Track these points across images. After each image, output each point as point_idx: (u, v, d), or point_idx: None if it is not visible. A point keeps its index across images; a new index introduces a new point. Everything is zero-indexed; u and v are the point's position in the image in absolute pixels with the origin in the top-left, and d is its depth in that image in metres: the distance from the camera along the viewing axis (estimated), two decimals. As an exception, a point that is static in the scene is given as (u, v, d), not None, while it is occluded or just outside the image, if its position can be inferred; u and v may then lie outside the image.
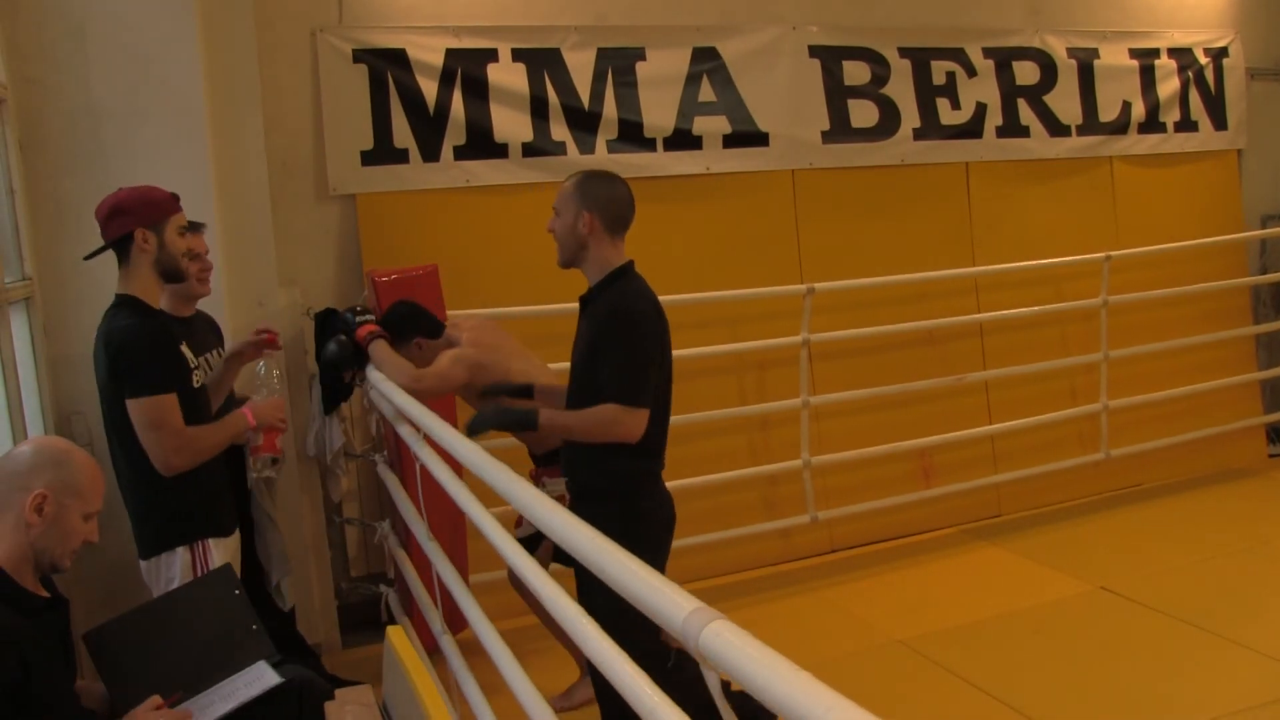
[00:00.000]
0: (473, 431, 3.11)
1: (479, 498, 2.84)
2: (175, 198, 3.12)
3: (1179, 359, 6.61)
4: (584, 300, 3.22)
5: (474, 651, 3.15)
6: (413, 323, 3.97)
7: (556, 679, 4.08)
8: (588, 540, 1.82)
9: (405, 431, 3.45)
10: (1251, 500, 6.27)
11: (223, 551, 3.10)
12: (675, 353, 5.16)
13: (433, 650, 3.86)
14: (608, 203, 3.19)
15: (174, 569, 3.02)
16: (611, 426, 3.02)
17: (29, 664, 2.14)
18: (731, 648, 1.34)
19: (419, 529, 3.48)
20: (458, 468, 2.96)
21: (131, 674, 2.55)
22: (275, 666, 2.68)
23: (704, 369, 5.48)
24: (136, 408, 2.94)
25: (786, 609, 5.04)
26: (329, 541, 4.82)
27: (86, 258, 3.39)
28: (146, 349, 2.97)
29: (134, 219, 3.02)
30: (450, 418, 4.11)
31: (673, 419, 5.15)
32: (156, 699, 2.47)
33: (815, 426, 5.59)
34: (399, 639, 3.20)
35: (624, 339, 3.06)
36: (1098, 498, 6.39)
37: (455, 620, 3.54)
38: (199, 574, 3.01)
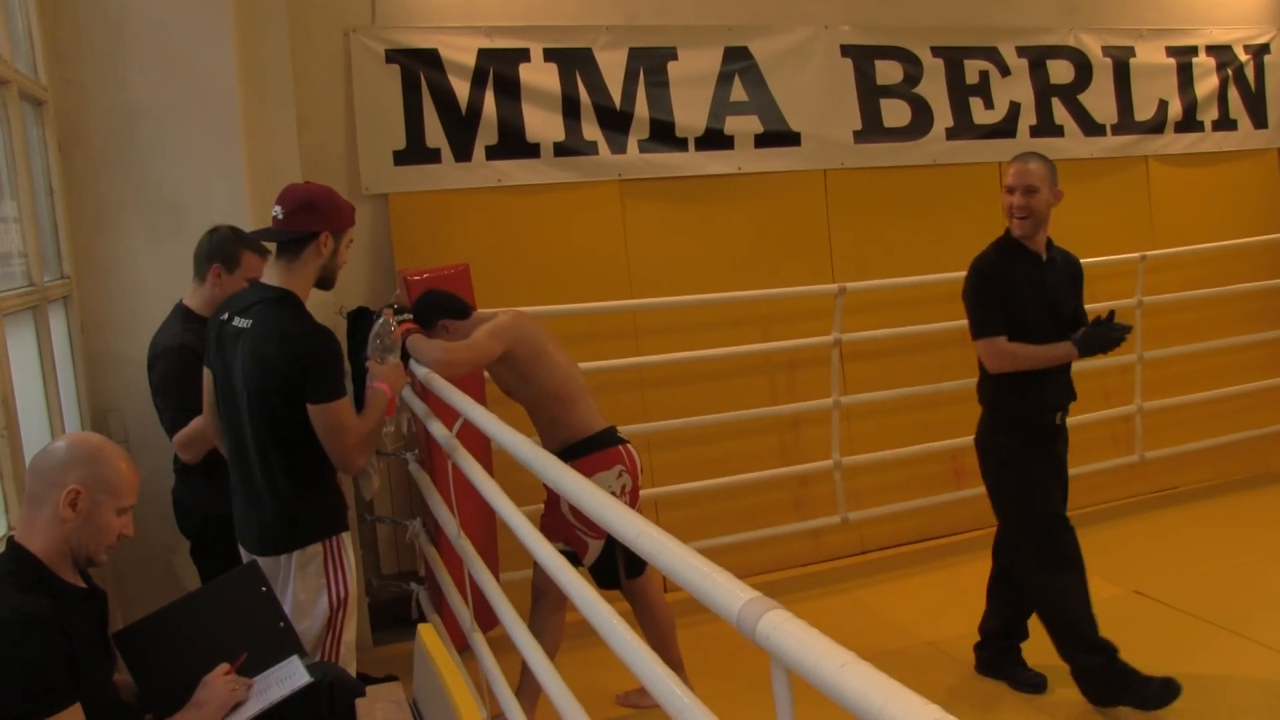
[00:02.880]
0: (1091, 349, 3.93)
1: (510, 496, 2.85)
2: (354, 210, 3.14)
3: (1215, 360, 6.53)
4: (1048, 258, 4.06)
5: (504, 649, 3.17)
6: (436, 306, 3.91)
7: (587, 677, 4.08)
8: (640, 533, 1.82)
9: (436, 430, 3.46)
10: (1289, 504, 6.19)
11: (348, 543, 3.10)
12: (705, 352, 5.26)
13: (463, 648, 3.88)
14: (1057, 177, 4.05)
15: (311, 565, 3.01)
16: None
17: (74, 651, 2.17)
18: (790, 636, 1.33)
19: (450, 527, 3.50)
20: (489, 465, 2.98)
21: (161, 672, 2.57)
22: (305, 663, 2.69)
23: (735, 368, 5.48)
24: (325, 413, 2.90)
25: (816, 610, 5.02)
26: (360, 540, 4.85)
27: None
28: (333, 355, 2.96)
29: (324, 220, 2.98)
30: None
31: (702, 418, 5.25)
32: (225, 665, 2.52)
33: (846, 427, 5.57)
34: (430, 636, 3.22)
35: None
36: (1132, 500, 6.32)
37: (486, 618, 3.55)
38: (331, 568, 3.01)
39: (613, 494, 3.69)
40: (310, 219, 2.96)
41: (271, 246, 3.14)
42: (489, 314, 3.92)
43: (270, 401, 2.93)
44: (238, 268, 3.54)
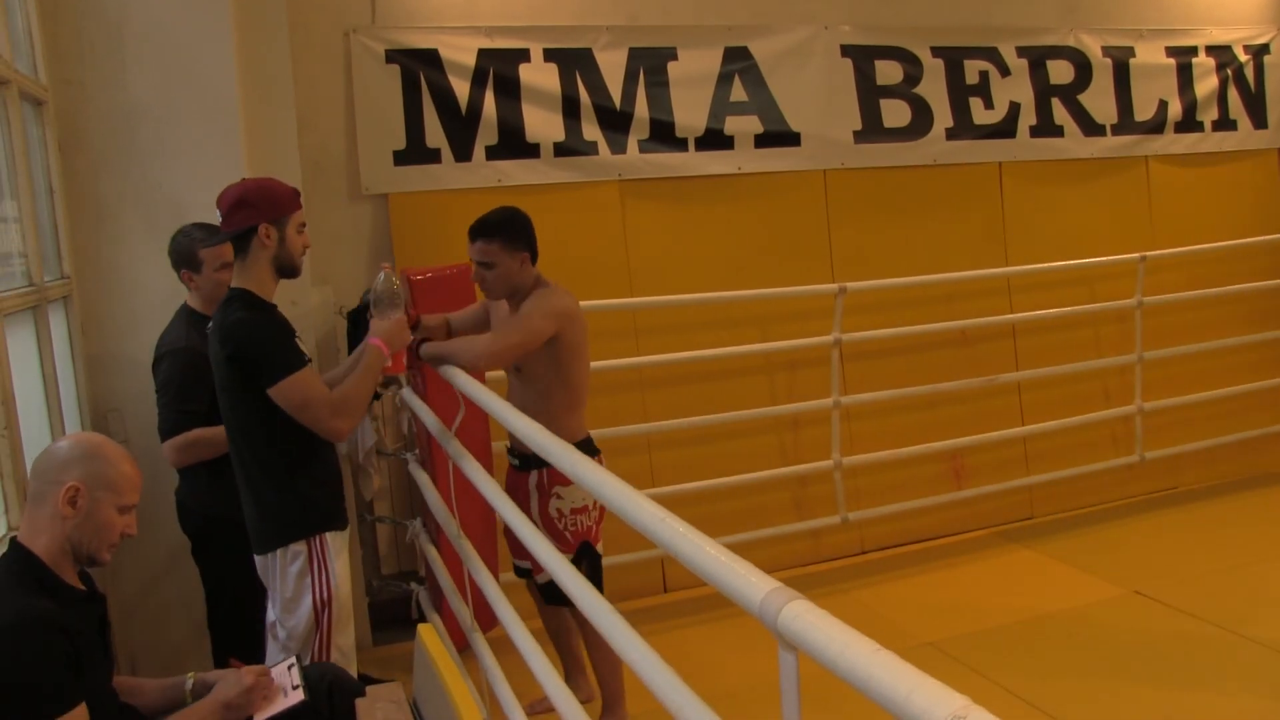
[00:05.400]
0: None
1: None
2: (297, 193, 3.09)
3: (1215, 360, 6.53)
4: None
5: (504, 649, 3.17)
6: (528, 233, 3.82)
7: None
8: (660, 524, 1.81)
9: (436, 429, 3.46)
10: (1289, 504, 6.19)
11: (338, 544, 3.08)
12: (705, 352, 5.26)
13: (463, 648, 3.88)
14: None
15: (295, 564, 3.01)
16: None
17: (76, 652, 2.18)
18: (811, 627, 1.32)
19: (450, 527, 3.50)
20: (489, 465, 2.97)
21: None
22: (302, 664, 2.69)
23: (735, 368, 5.48)
24: (282, 392, 2.90)
25: (816, 610, 5.01)
26: (360, 539, 4.85)
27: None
28: (266, 336, 2.94)
29: (258, 213, 2.96)
30: (482, 420, 4.10)
31: (702, 418, 5.24)
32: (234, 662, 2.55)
33: (846, 427, 5.57)
34: (430, 636, 3.23)
35: None
36: (1132, 500, 6.32)
37: (486, 618, 3.55)
38: (314, 568, 3.00)
39: (591, 502, 3.66)
40: (244, 215, 2.97)
41: None
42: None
43: (232, 399, 3.00)
44: (202, 265, 3.57)
